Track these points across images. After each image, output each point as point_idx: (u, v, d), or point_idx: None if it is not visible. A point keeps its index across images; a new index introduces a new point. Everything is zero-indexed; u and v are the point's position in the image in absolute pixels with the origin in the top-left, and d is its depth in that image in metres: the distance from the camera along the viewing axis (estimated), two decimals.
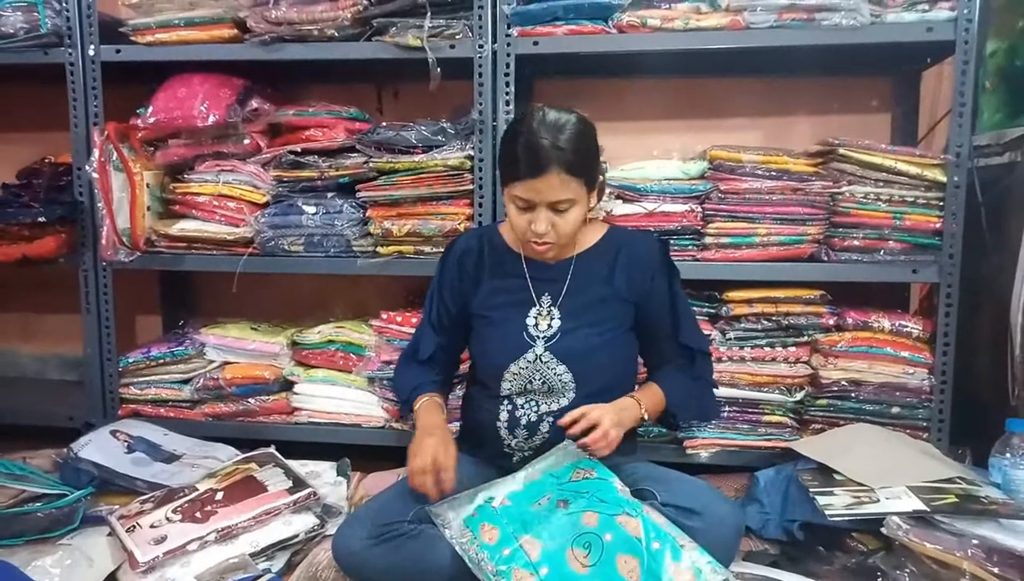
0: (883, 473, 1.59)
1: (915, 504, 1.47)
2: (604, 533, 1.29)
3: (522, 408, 1.54)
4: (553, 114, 1.44)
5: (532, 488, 1.42)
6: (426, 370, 1.66)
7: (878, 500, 1.50)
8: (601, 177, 1.54)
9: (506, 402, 1.55)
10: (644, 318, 1.58)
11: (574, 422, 1.43)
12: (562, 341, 1.53)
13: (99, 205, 2.06)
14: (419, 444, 1.45)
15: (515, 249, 1.60)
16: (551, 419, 1.53)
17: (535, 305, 1.56)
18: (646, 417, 1.52)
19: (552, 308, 1.55)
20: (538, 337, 1.54)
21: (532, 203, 1.43)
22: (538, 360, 1.52)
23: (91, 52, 2.09)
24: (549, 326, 1.54)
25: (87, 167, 2.06)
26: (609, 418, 1.42)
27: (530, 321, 1.55)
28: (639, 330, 1.60)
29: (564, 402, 1.53)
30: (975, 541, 1.39)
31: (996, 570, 1.34)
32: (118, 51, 2.09)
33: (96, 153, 2.04)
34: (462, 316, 1.64)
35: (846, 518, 1.49)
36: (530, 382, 1.53)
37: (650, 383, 1.59)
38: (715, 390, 1.72)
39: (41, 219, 2.10)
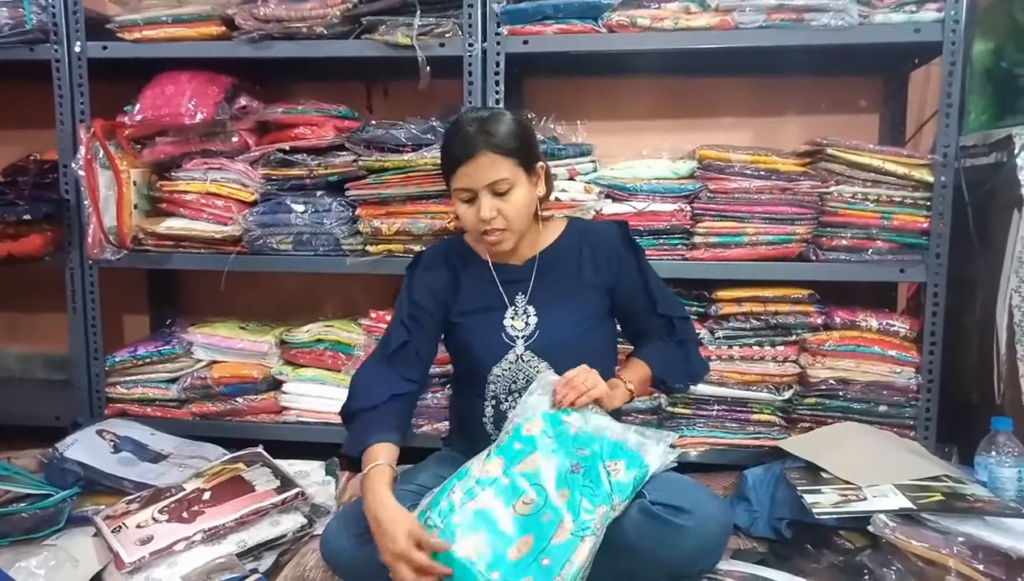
0: (870, 471, 1.60)
1: (902, 502, 1.47)
2: (546, 512, 1.28)
3: (506, 402, 1.54)
4: (479, 110, 1.53)
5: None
6: (393, 377, 1.53)
7: (865, 498, 1.51)
8: (543, 163, 1.55)
9: (491, 400, 1.56)
10: (620, 301, 1.59)
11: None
12: (541, 338, 1.54)
13: (85, 203, 2.05)
14: (385, 524, 1.29)
15: (482, 256, 1.61)
16: None
17: (509, 306, 1.57)
18: (632, 388, 1.51)
19: (527, 307, 1.56)
20: (517, 337, 1.54)
21: (472, 191, 1.46)
22: (519, 360, 1.53)
23: (77, 49, 2.07)
24: (526, 324, 1.55)
25: (73, 165, 2.05)
26: (583, 373, 1.42)
27: (507, 322, 1.55)
28: (617, 313, 1.62)
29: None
30: (961, 539, 1.39)
31: (981, 567, 1.35)
32: (105, 48, 2.08)
33: (82, 150, 2.03)
34: (436, 314, 1.59)
35: (833, 516, 1.49)
36: (514, 382, 1.54)
37: (632, 359, 1.60)
38: (700, 348, 1.71)
39: (27, 217, 2.07)
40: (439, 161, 1.94)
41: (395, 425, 1.47)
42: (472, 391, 1.58)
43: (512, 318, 1.56)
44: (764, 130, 2.29)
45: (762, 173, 1.92)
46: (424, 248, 1.69)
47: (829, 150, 1.89)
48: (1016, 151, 1.75)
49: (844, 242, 1.91)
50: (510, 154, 1.45)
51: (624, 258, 1.58)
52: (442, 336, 1.65)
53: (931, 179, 1.86)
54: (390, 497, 1.33)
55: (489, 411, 1.55)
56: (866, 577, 1.42)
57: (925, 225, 1.88)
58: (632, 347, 1.69)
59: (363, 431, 1.46)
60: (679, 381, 1.64)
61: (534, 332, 1.54)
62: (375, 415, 1.47)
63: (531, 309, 1.56)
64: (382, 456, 1.39)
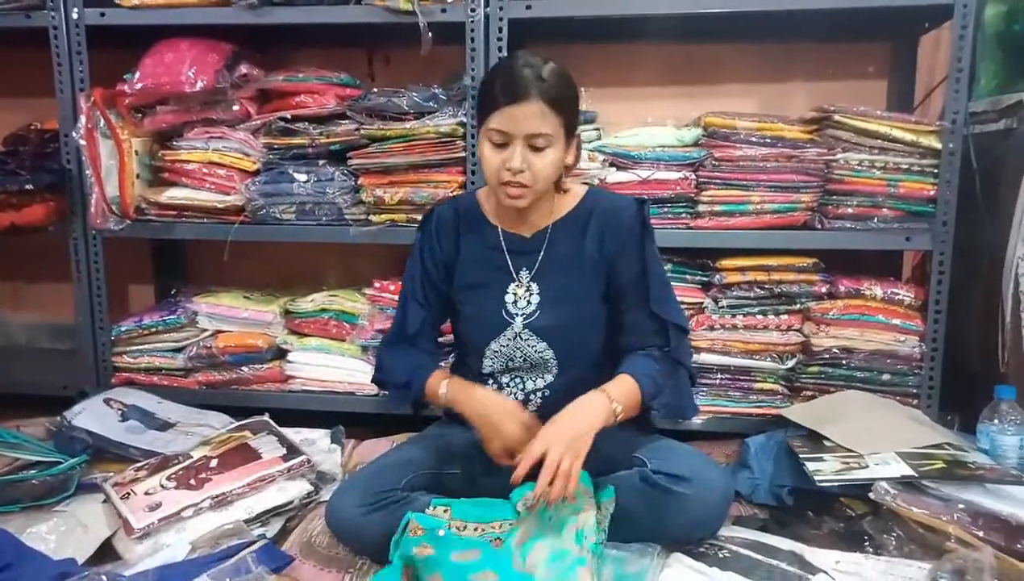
0: (872, 439, 1.60)
1: (903, 470, 1.48)
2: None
3: (508, 387, 1.52)
4: (538, 56, 1.40)
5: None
6: (417, 350, 1.56)
7: (867, 466, 1.52)
8: (578, 132, 1.47)
9: (491, 381, 1.53)
10: (613, 283, 1.48)
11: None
12: (541, 318, 1.48)
13: (87, 173, 2.04)
14: (500, 418, 1.40)
15: (492, 221, 1.54)
16: (538, 396, 1.51)
17: (513, 280, 1.51)
18: (618, 410, 1.35)
19: (531, 283, 1.50)
20: (517, 314, 1.49)
21: (508, 136, 1.36)
22: (518, 338, 1.49)
23: (75, 15, 2.05)
24: (528, 302, 1.49)
25: (74, 134, 2.04)
26: (556, 447, 1.27)
27: (508, 297, 1.50)
28: (609, 298, 1.50)
29: (549, 378, 1.51)
30: (961, 505, 1.40)
31: (981, 533, 1.36)
32: (102, 14, 2.05)
33: (83, 119, 2.02)
34: (446, 285, 1.56)
35: (835, 483, 1.50)
36: (511, 359, 1.50)
37: (621, 376, 1.41)
38: (693, 383, 1.56)
39: (29, 187, 2.06)
40: (443, 129, 1.94)
41: (436, 369, 1.53)
42: (471, 366, 1.56)
43: (515, 293, 1.51)
44: (771, 97, 2.26)
45: (768, 140, 1.90)
46: (434, 206, 1.62)
47: (836, 117, 1.87)
48: None
49: (850, 210, 1.89)
50: (560, 112, 1.36)
51: (630, 236, 1.47)
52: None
53: (939, 146, 1.84)
54: (483, 390, 1.46)
55: None
56: (866, 543, 1.43)
57: (932, 193, 1.86)
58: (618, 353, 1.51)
59: (408, 394, 1.53)
60: (667, 411, 1.48)
61: (535, 311, 1.49)
62: (415, 385, 1.51)
63: (534, 286, 1.50)
64: (446, 376, 1.50)
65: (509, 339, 1.50)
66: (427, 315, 1.57)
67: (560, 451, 1.26)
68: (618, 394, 1.36)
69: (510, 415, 1.40)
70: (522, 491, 1.30)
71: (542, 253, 1.50)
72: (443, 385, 1.47)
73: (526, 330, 1.49)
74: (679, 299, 1.95)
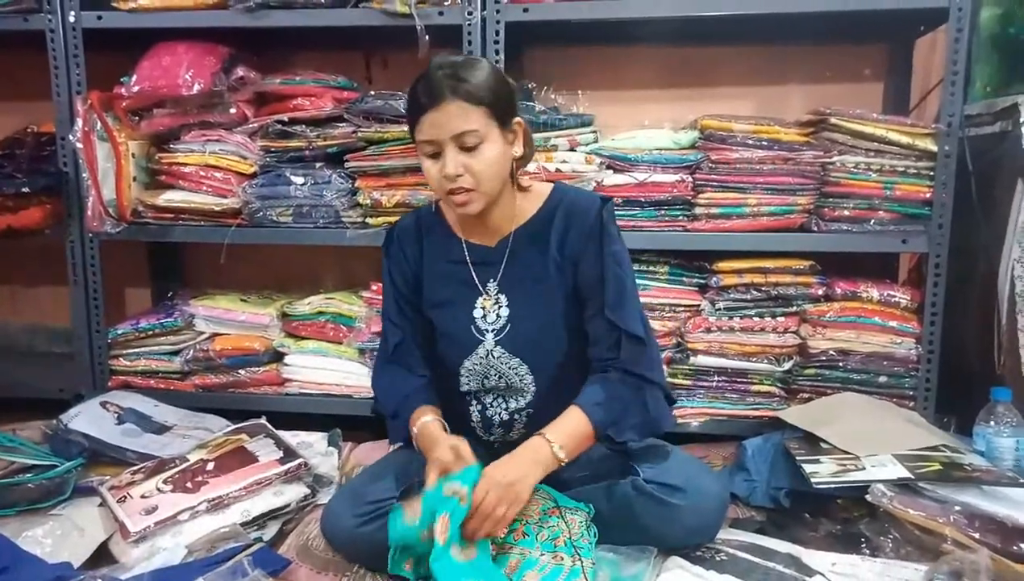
0: (869, 441, 1.61)
1: (900, 472, 1.48)
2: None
3: (492, 407, 1.50)
4: (453, 56, 1.37)
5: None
6: (408, 372, 1.52)
7: (863, 468, 1.52)
8: (519, 118, 1.39)
9: (474, 402, 1.51)
10: (577, 285, 1.43)
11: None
12: (512, 333, 1.43)
13: (84, 175, 2.04)
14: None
15: (456, 232, 1.50)
16: (523, 416, 1.49)
17: (481, 294, 1.46)
18: (560, 454, 1.32)
19: (499, 295, 1.45)
20: (487, 330, 1.45)
21: (438, 144, 1.31)
22: (489, 355, 1.45)
23: (71, 18, 2.05)
24: (497, 317, 1.45)
25: (71, 137, 2.04)
26: (495, 491, 1.26)
27: (477, 313, 1.46)
28: (576, 302, 1.45)
29: (528, 396, 1.47)
30: (958, 507, 1.41)
31: (977, 535, 1.36)
32: (99, 17, 2.05)
33: (80, 122, 2.01)
34: (418, 297, 1.53)
35: (832, 486, 1.50)
36: (486, 377, 1.47)
37: (570, 408, 1.37)
38: (669, 399, 1.48)
39: (25, 190, 2.06)
40: None
41: (422, 404, 1.48)
42: (449, 384, 1.52)
43: (483, 308, 1.46)
44: (767, 99, 2.26)
45: (764, 143, 1.91)
46: (397, 221, 1.59)
47: (832, 119, 1.87)
48: (1021, 120, 1.73)
49: (846, 213, 1.90)
50: (482, 104, 1.30)
51: (591, 236, 1.40)
52: None
53: (935, 149, 1.84)
54: (442, 435, 1.38)
55: (476, 415, 1.52)
56: (863, 545, 1.43)
57: (928, 195, 1.87)
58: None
59: (397, 426, 1.50)
60: (640, 434, 1.40)
61: (505, 326, 1.44)
62: (402, 417, 1.49)
63: (503, 298, 1.45)
64: (426, 415, 1.44)
65: (481, 357, 1.46)
66: (404, 335, 1.53)
67: (498, 496, 1.26)
68: (557, 435, 1.33)
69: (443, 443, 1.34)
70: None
71: (504, 262, 1.45)
72: (416, 425, 1.44)
73: (498, 347, 1.45)
74: (675, 302, 2.00)
